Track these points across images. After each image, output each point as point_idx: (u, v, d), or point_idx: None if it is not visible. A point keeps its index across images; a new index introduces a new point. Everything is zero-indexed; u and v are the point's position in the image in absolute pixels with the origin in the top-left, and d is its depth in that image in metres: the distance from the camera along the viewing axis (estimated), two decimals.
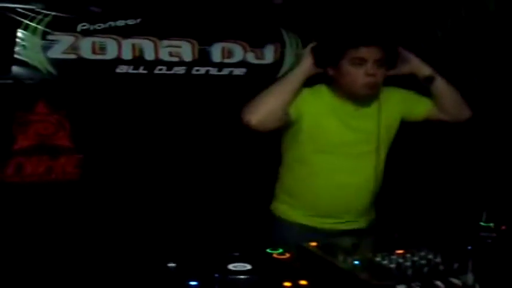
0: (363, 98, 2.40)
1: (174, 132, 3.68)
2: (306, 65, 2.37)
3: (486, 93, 3.22)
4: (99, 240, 3.35)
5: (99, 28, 3.51)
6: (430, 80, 2.48)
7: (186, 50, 3.73)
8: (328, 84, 2.44)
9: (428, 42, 3.53)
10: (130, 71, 3.61)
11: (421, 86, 2.51)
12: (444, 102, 2.51)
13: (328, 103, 2.42)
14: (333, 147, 2.41)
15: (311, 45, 2.40)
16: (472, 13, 3.28)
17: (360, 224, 2.51)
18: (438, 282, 1.60)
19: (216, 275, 1.62)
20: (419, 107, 2.55)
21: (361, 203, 2.50)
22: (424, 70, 2.49)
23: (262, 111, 2.30)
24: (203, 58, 3.78)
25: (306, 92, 2.41)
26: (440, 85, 2.49)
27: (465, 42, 3.31)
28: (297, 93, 2.36)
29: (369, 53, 2.30)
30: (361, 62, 2.30)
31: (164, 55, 3.68)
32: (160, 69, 3.67)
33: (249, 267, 1.71)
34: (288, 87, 2.35)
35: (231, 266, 1.70)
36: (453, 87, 2.52)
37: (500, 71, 3.17)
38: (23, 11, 3.35)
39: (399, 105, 2.53)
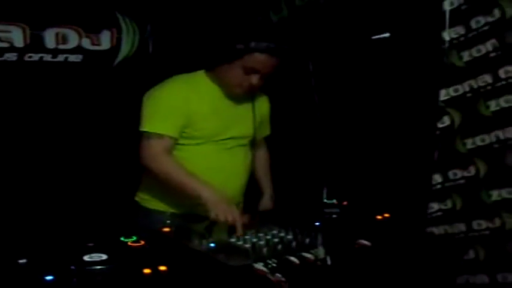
0: (234, 96, 2.38)
1: (9, 123, 3.45)
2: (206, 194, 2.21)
3: (332, 68, 3.34)
4: None
5: None
6: None
7: (17, 35, 3.50)
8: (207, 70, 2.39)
9: (278, 14, 3.59)
10: None
11: None
12: None
13: (207, 97, 2.36)
14: (207, 138, 2.36)
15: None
16: None
17: None
18: (292, 258, 1.68)
19: (72, 267, 1.57)
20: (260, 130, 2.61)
21: (232, 188, 2.45)
22: None
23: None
24: (36, 44, 3.57)
25: (184, 92, 2.33)
26: None
27: (311, 20, 3.39)
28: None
29: (265, 66, 2.22)
30: (254, 71, 2.23)
31: None
32: None
33: (104, 257, 1.67)
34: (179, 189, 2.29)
35: (86, 257, 1.65)
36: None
37: (346, 49, 3.28)
38: None
39: (263, 115, 2.58)
